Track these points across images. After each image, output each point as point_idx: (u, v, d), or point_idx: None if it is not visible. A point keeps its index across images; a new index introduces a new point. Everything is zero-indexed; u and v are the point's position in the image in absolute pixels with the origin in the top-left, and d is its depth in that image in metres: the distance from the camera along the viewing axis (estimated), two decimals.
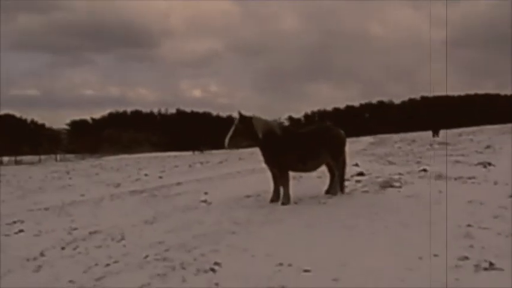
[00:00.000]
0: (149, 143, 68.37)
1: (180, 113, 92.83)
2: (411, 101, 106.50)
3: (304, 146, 6.36)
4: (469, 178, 7.53)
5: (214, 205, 6.80)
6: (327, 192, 6.84)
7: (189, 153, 56.56)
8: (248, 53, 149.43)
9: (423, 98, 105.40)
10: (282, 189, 6.42)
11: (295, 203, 6.34)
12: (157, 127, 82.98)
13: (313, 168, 6.68)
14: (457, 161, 10.29)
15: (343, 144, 6.84)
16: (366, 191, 7.00)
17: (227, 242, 4.33)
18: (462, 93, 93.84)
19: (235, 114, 6.33)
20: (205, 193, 8.23)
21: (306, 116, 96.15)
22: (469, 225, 4.35)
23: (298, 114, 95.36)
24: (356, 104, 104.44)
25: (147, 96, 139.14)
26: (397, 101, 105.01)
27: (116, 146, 57.87)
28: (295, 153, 6.30)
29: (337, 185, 6.77)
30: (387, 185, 7.41)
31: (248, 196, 7.31)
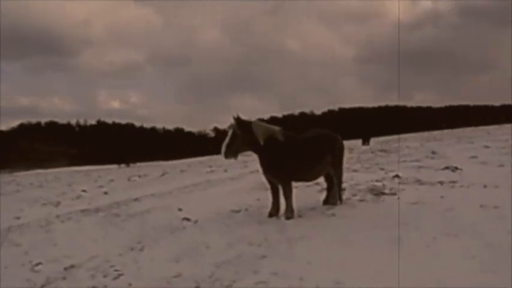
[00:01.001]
0: (67, 156, 62.40)
1: (100, 124, 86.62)
2: (330, 112, 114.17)
3: (309, 153, 5.79)
4: (452, 182, 7.59)
5: (203, 223, 5.91)
6: (325, 202, 6.37)
7: (114, 166, 52.76)
8: (169, 64, 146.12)
9: (341, 109, 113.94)
10: (284, 202, 5.80)
11: (299, 216, 5.77)
12: (76, 139, 76.27)
13: (316, 177, 6.17)
14: (420, 167, 10.53)
15: (343, 152, 6.45)
16: (363, 200, 6.67)
17: (268, 270, 3.56)
18: (375, 104, 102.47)
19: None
20: (180, 209, 7.24)
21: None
22: None
23: (223, 126, 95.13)
24: (279, 115, 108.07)
25: (62, 106, 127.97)
26: (317, 112, 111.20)
27: (29, 161, 51.44)
28: (300, 161, 5.70)
29: (336, 194, 6.34)
30: (378, 192, 7.19)
31: (236, 211, 6.55)
